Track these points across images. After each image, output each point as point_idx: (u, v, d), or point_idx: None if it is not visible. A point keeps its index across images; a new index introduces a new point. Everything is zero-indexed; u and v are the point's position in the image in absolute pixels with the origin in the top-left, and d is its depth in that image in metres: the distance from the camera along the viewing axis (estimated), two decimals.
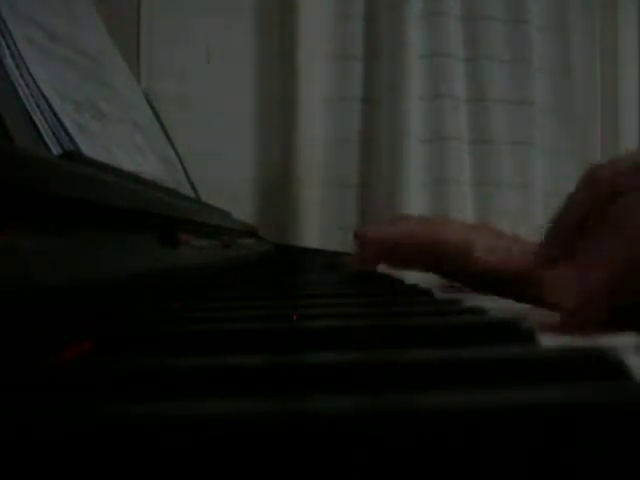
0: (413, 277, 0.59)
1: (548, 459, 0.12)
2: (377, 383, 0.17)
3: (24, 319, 0.20)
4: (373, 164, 1.33)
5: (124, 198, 0.32)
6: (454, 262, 0.47)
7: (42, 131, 0.39)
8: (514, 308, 0.34)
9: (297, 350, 0.22)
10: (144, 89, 0.90)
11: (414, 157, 1.29)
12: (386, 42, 1.30)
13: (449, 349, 0.19)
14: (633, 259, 0.27)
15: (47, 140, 0.39)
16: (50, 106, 0.41)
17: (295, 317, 0.29)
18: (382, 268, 0.60)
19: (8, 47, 0.40)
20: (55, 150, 0.39)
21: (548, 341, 0.23)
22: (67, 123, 0.42)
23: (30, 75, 0.40)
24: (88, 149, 0.43)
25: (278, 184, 1.30)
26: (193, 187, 0.89)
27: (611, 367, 0.17)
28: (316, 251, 1.22)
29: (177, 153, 0.86)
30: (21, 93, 0.39)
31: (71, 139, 0.41)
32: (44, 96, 0.40)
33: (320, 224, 1.29)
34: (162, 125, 0.85)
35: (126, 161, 0.53)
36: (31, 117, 0.39)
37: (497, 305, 0.34)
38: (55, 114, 0.41)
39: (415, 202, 1.27)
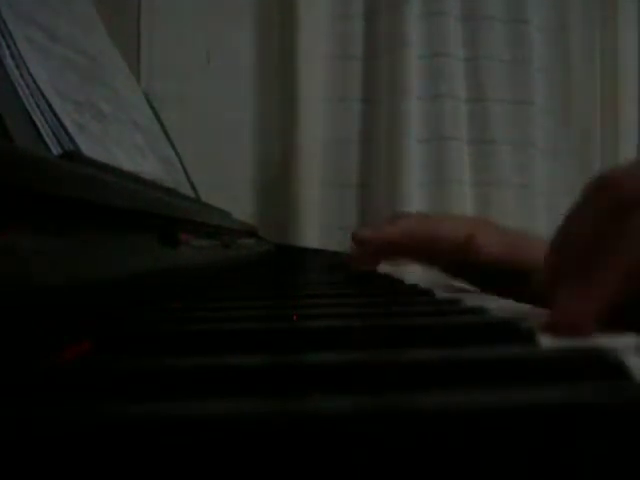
0: (413, 277, 0.59)
1: (548, 459, 0.12)
2: (377, 383, 0.17)
3: (24, 319, 0.20)
4: (373, 164, 1.33)
5: (124, 198, 0.32)
6: (454, 256, 0.47)
7: (42, 131, 0.39)
8: (514, 308, 0.34)
9: (297, 350, 0.22)
10: (144, 89, 0.90)
11: (414, 157, 1.29)
12: (386, 42, 1.30)
13: (449, 349, 0.19)
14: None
15: (47, 140, 0.39)
16: (50, 106, 0.41)
17: (295, 317, 0.29)
18: (382, 268, 0.60)
19: (8, 47, 0.40)
20: (55, 150, 0.39)
21: (548, 341, 0.23)
22: (67, 123, 0.42)
23: (30, 75, 0.40)
24: (88, 149, 0.43)
25: (278, 184, 1.30)
26: (193, 187, 0.89)
27: (611, 367, 0.17)
28: (316, 251, 1.22)
29: (177, 153, 0.86)
30: (21, 93, 0.39)
31: (71, 139, 0.41)
32: (44, 96, 0.40)
33: (320, 224, 1.29)
34: (162, 125, 0.85)
35: (126, 161, 0.53)
36: (31, 117, 0.39)
37: (497, 305, 0.33)
38: (55, 114, 0.41)
39: (415, 202, 1.27)
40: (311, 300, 0.40)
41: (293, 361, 0.18)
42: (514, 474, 0.12)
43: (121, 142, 0.54)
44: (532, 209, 1.34)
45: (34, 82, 0.40)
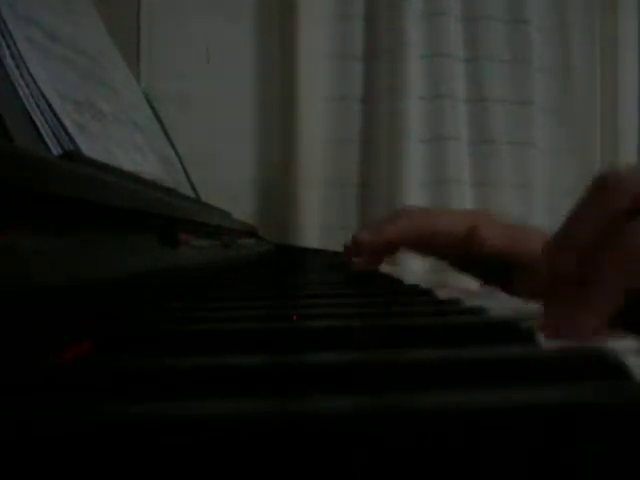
0: (413, 277, 0.59)
1: (548, 459, 0.12)
2: (377, 383, 0.17)
3: (24, 319, 0.20)
4: (373, 164, 1.33)
5: (124, 198, 0.32)
6: (457, 250, 0.47)
7: (42, 131, 0.39)
8: (514, 308, 0.34)
9: (297, 350, 0.22)
10: (144, 89, 0.90)
11: (414, 157, 1.29)
12: (386, 42, 1.30)
13: (449, 349, 0.19)
14: None
15: (47, 140, 0.39)
16: (50, 106, 0.41)
17: (295, 317, 0.29)
18: (382, 268, 0.60)
19: (8, 47, 0.40)
20: (55, 150, 0.39)
21: (548, 341, 0.23)
22: (67, 123, 0.42)
23: (30, 75, 0.40)
24: (88, 149, 0.43)
25: (278, 184, 1.30)
26: (193, 187, 0.89)
27: (611, 367, 0.17)
28: (316, 251, 1.22)
29: (177, 153, 0.86)
30: (21, 93, 0.39)
31: (71, 139, 0.41)
32: (44, 96, 0.40)
33: (320, 224, 1.29)
34: (162, 125, 0.85)
35: (126, 161, 0.53)
36: (31, 117, 0.39)
37: (497, 305, 0.33)
38: (55, 114, 0.41)
39: (415, 202, 1.27)
40: (311, 300, 0.40)
41: (293, 361, 0.18)
42: (514, 474, 0.12)
43: (121, 142, 0.54)
44: (532, 209, 1.34)
45: (34, 82, 0.40)
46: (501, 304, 0.37)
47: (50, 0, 0.53)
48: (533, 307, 0.34)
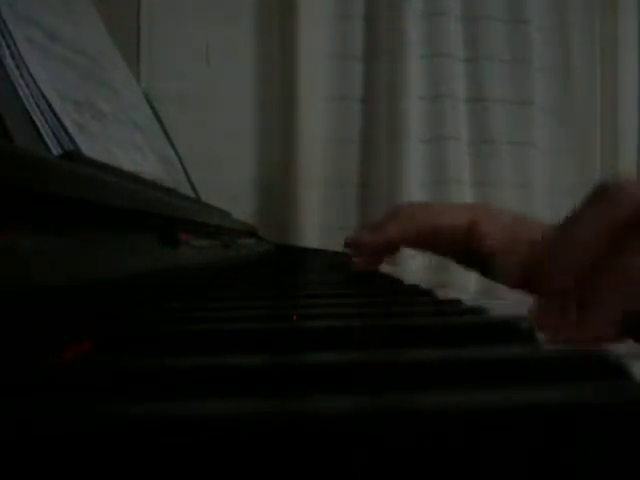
0: (413, 277, 0.59)
1: (548, 459, 0.12)
2: (377, 383, 0.17)
3: (24, 319, 0.20)
4: (373, 164, 1.33)
5: (124, 198, 0.32)
6: (457, 245, 0.47)
7: (42, 131, 0.39)
8: (514, 308, 0.34)
9: (297, 350, 0.22)
10: (144, 89, 0.90)
11: (414, 157, 1.29)
12: (386, 42, 1.30)
13: (449, 349, 0.19)
14: None
15: (47, 140, 0.39)
16: (50, 106, 0.41)
17: (295, 317, 0.29)
18: (382, 268, 0.60)
19: (8, 47, 0.40)
20: (55, 150, 0.39)
21: (548, 342, 0.23)
22: (67, 123, 0.42)
23: (30, 75, 0.40)
24: (88, 149, 0.43)
25: (278, 184, 1.30)
26: (193, 187, 0.89)
27: (611, 368, 0.17)
28: (316, 251, 1.22)
29: (177, 153, 0.86)
30: (21, 93, 0.39)
31: (71, 139, 0.41)
32: (44, 96, 0.40)
33: (320, 224, 1.30)
34: (162, 125, 0.85)
35: (126, 161, 0.53)
36: (31, 117, 0.39)
37: (497, 305, 0.33)
38: (55, 114, 0.41)
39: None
40: (311, 300, 0.40)
41: (293, 361, 0.18)
42: (514, 474, 0.12)
43: (121, 142, 0.54)
44: (532, 209, 1.34)
45: (34, 82, 0.40)
46: (501, 304, 0.37)
47: (50, 0, 0.53)
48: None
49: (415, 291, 0.46)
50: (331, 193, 1.32)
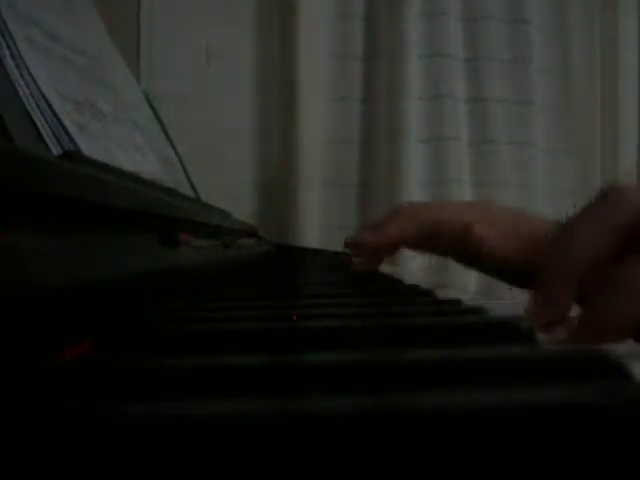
0: (413, 277, 0.59)
1: (548, 459, 0.12)
2: (377, 383, 0.17)
3: (24, 319, 0.20)
4: (373, 164, 1.33)
5: (124, 198, 0.32)
6: (456, 245, 0.47)
7: (42, 131, 0.39)
8: (514, 308, 0.34)
9: (297, 350, 0.22)
10: (144, 89, 0.90)
11: (414, 157, 1.29)
12: (386, 42, 1.30)
13: (449, 349, 0.19)
14: None
15: (47, 140, 0.39)
16: (50, 106, 0.41)
17: (295, 317, 0.29)
18: (382, 268, 0.60)
19: (8, 47, 0.40)
20: (55, 150, 0.39)
21: (549, 342, 0.23)
22: (67, 123, 0.42)
23: (30, 75, 0.40)
24: (88, 149, 0.43)
25: (278, 184, 1.30)
26: (193, 187, 0.89)
27: (611, 368, 0.17)
28: (316, 251, 1.22)
29: (177, 153, 0.86)
30: (21, 93, 0.39)
31: (71, 139, 0.41)
32: (44, 96, 0.40)
33: (320, 224, 1.30)
34: (162, 125, 0.85)
35: (126, 161, 0.53)
36: (31, 117, 0.39)
37: (497, 305, 0.33)
38: (55, 114, 0.41)
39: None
40: (311, 300, 0.40)
41: (293, 361, 0.18)
42: (514, 474, 0.12)
43: (121, 142, 0.54)
44: (532, 209, 1.34)
45: (34, 82, 0.40)
46: (501, 304, 0.37)
47: (50, 0, 0.53)
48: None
49: (415, 291, 0.46)
50: (331, 193, 1.32)
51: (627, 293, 0.25)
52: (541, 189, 1.36)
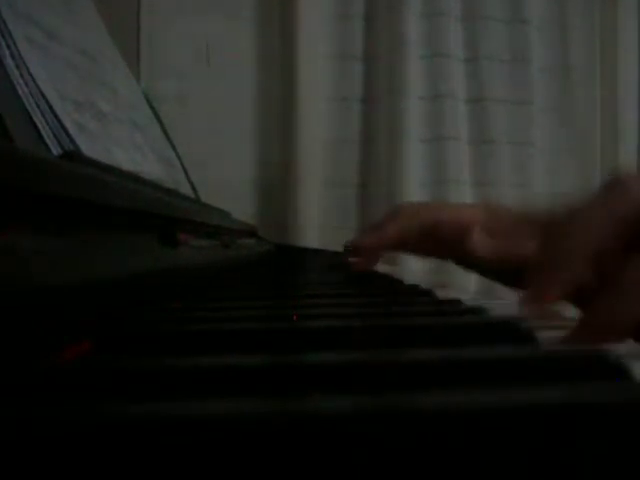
0: (413, 277, 0.59)
1: (548, 459, 0.12)
2: (377, 383, 0.17)
3: (24, 319, 0.20)
4: (373, 164, 1.33)
5: (124, 198, 0.32)
6: (456, 245, 0.47)
7: (42, 131, 0.39)
8: (514, 308, 0.34)
9: (297, 350, 0.22)
10: (144, 89, 0.90)
11: (414, 157, 1.29)
12: (386, 42, 1.30)
13: (449, 349, 0.19)
14: None
15: (47, 140, 0.39)
16: (50, 106, 0.41)
17: (295, 317, 0.29)
18: (382, 268, 0.60)
19: (8, 47, 0.40)
20: (55, 150, 0.39)
21: (549, 342, 0.23)
22: (67, 123, 0.42)
23: (30, 75, 0.40)
24: (88, 149, 0.43)
25: (278, 184, 1.30)
26: (193, 187, 0.89)
27: (611, 368, 0.17)
28: (316, 251, 1.22)
29: (177, 153, 0.86)
30: (21, 93, 0.39)
31: (71, 139, 0.41)
32: (44, 96, 0.40)
33: (320, 224, 1.29)
34: (162, 125, 0.85)
35: (126, 161, 0.53)
36: (31, 117, 0.39)
37: (497, 305, 0.33)
38: (55, 114, 0.41)
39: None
40: (311, 300, 0.40)
41: (293, 361, 0.18)
42: (514, 474, 0.12)
43: (121, 142, 0.54)
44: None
45: (34, 82, 0.40)
46: (501, 304, 0.37)
47: (50, 0, 0.53)
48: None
49: (415, 291, 0.46)
50: (331, 193, 1.32)
51: (632, 293, 0.25)
52: (541, 189, 1.36)
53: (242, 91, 1.31)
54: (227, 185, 1.23)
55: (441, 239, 0.49)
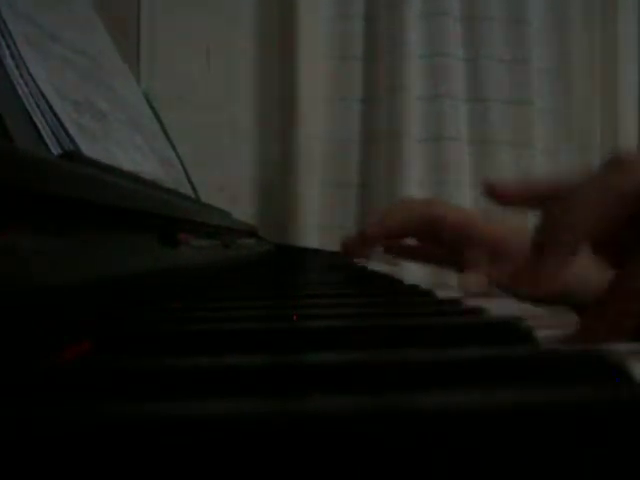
0: (413, 277, 0.59)
1: (548, 459, 0.12)
2: (377, 383, 0.17)
3: (24, 319, 0.20)
4: (373, 164, 1.33)
5: (124, 198, 0.32)
6: (453, 241, 0.47)
7: (42, 131, 0.39)
8: (514, 308, 0.34)
9: (297, 350, 0.22)
10: (144, 89, 0.90)
11: (414, 157, 1.29)
12: (386, 42, 1.30)
13: (449, 349, 0.19)
14: None
15: (47, 140, 0.39)
16: (50, 106, 0.41)
17: (295, 317, 0.29)
18: (382, 268, 0.60)
19: (8, 47, 0.40)
20: (55, 150, 0.39)
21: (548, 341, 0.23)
22: (67, 123, 0.42)
23: (30, 75, 0.40)
24: (88, 149, 0.43)
25: (278, 184, 1.30)
26: (193, 187, 0.89)
27: (611, 368, 0.17)
28: (316, 251, 1.22)
29: (177, 153, 0.86)
30: (21, 93, 0.39)
31: (71, 139, 0.41)
32: (44, 96, 0.40)
33: (320, 224, 1.30)
34: (162, 125, 0.85)
35: (126, 161, 0.53)
36: (31, 117, 0.39)
37: (497, 305, 0.33)
38: (55, 114, 0.41)
39: None
40: (311, 300, 0.40)
41: (293, 361, 0.18)
42: (514, 474, 0.12)
43: (121, 142, 0.54)
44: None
45: (34, 82, 0.40)
46: (501, 304, 0.37)
47: (50, 0, 0.53)
48: (534, 309, 0.34)
49: (415, 291, 0.46)
50: (331, 193, 1.32)
51: (634, 293, 0.25)
52: None
53: (242, 91, 1.31)
54: (227, 185, 1.23)
55: (440, 235, 0.49)
